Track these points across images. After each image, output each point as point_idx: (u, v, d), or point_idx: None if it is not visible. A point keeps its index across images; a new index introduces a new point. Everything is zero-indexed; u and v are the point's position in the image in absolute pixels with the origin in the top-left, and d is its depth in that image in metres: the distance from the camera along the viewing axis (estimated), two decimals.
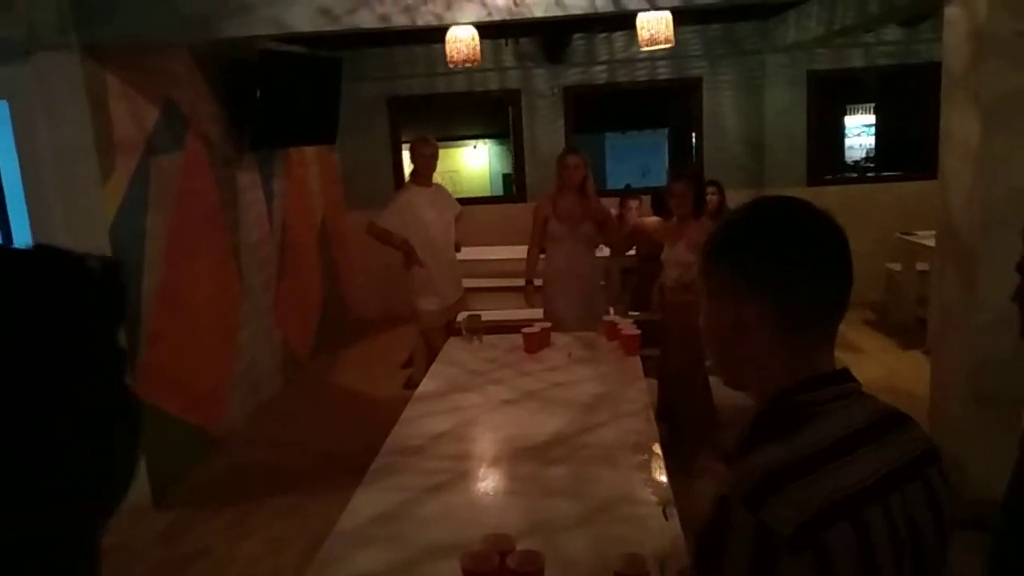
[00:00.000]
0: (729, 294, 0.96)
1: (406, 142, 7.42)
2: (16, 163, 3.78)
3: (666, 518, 1.93)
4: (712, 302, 0.99)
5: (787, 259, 0.93)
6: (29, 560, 0.58)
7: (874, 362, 5.46)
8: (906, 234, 6.02)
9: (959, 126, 3.33)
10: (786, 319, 0.93)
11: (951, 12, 3.37)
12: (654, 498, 2.05)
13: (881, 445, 0.92)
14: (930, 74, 4.66)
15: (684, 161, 8.06)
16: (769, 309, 0.93)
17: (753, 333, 0.95)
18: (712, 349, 1.02)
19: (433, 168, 4.64)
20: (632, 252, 5.05)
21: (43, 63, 3.53)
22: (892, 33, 6.57)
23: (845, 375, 0.97)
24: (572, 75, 7.11)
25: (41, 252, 0.62)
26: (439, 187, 4.77)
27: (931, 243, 4.88)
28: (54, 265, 0.61)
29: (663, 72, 7.08)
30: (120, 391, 0.64)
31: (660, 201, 4.67)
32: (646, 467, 2.26)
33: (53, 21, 3.39)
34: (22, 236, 4.51)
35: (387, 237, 4.53)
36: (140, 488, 3.83)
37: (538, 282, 4.51)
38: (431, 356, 3.90)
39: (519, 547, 1.72)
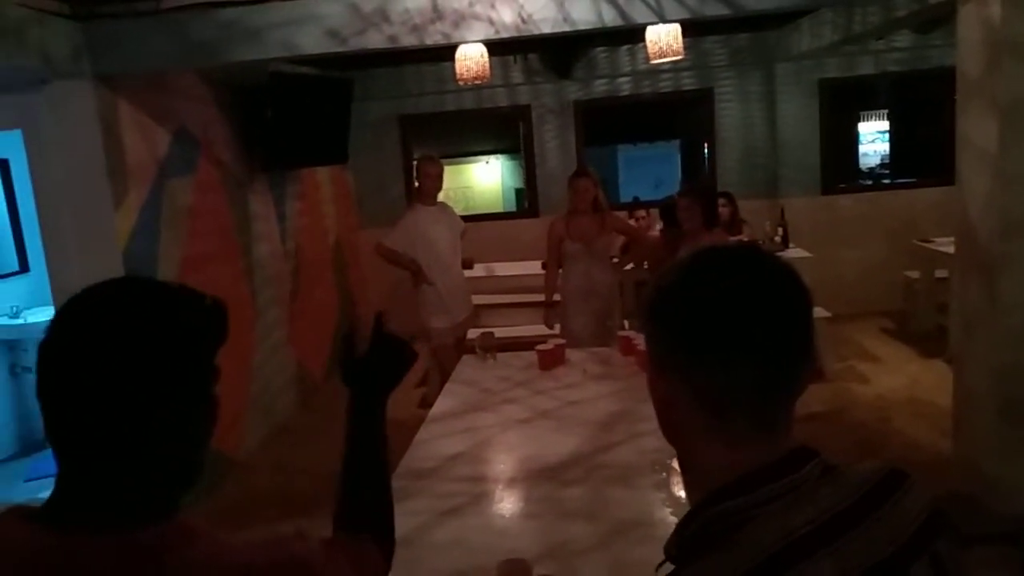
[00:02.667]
0: (654, 365, 0.83)
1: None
2: (31, 190, 3.82)
3: None
4: (648, 368, 0.85)
5: (698, 338, 0.77)
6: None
7: (894, 371, 5.38)
8: (924, 241, 5.94)
9: (976, 131, 3.28)
10: (705, 405, 0.78)
11: (965, 15, 3.32)
12: (674, 518, 2.01)
13: (846, 543, 0.73)
14: (943, 79, 4.61)
15: (697, 173, 8.04)
16: (687, 391, 0.79)
17: (679, 414, 0.81)
18: (658, 419, 0.87)
19: (439, 187, 4.66)
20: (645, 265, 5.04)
21: (57, 92, 3.56)
22: (904, 39, 6.53)
23: (787, 465, 0.76)
24: (582, 89, 7.11)
25: (179, 289, 0.91)
26: (444, 205, 4.78)
27: (949, 250, 4.80)
28: (187, 299, 0.90)
29: (674, 84, 7.07)
30: (209, 395, 0.90)
31: (668, 213, 4.66)
32: (665, 486, 2.22)
33: (66, 51, 3.43)
34: (37, 261, 4.55)
35: (395, 257, 4.55)
36: None
37: (556, 296, 4.51)
38: (442, 374, 3.88)
39: (536, 572, 1.68)
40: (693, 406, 0.79)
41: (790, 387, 0.79)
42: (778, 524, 0.73)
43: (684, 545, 0.78)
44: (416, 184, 4.67)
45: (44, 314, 4.52)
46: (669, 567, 0.79)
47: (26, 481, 4.49)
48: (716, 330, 0.77)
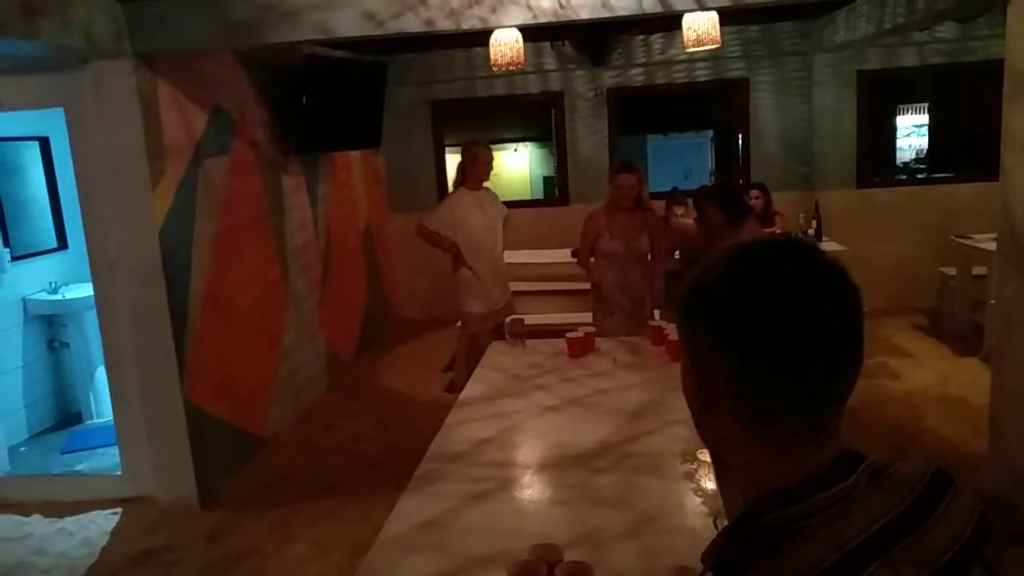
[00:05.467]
0: (693, 366, 0.79)
1: (449, 146, 7.46)
2: (71, 167, 3.88)
3: (717, 528, 1.87)
4: (685, 369, 0.81)
5: (744, 338, 0.72)
6: None
7: (927, 368, 5.30)
8: (962, 237, 5.82)
9: (1023, 125, 3.20)
10: (749, 409, 0.74)
11: (1015, 6, 3.23)
12: (704, 508, 2.00)
13: (901, 551, 0.70)
14: (986, 72, 4.49)
15: (730, 164, 7.94)
16: (729, 394, 0.75)
17: (719, 417, 0.77)
18: (695, 422, 0.83)
19: (489, 174, 4.70)
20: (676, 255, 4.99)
21: (98, 71, 3.62)
22: (946, 31, 6.38)
23: (836, 473, 0.73)
24: (615, 77, 7.05)
25: None
26: (488, 190, 4.79)
27: (988, 247, 4.70)
28: None
29: (709, 73, 6.98)
30: None
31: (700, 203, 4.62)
32: (694, 476, 2.21)
33: (108, 31, 3.47)
34: (76, 238, 4.63)
35: (435, 239, 4.59)
36: (187, 488, 3.89)
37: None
38: (477, 359, 3.89)
39: (567, 557, 1.69)
40: (735, 409, 0.75)
41: (840, 390, 0.75)
42: (829, 535, 0.69)
43: (729, 556, 0.74)
44: (464, 168, 4.66)
45: (82, 290, 4.60)
46: None
47: (62, 453, 4.59)
48: (763, 329, 0.72)
